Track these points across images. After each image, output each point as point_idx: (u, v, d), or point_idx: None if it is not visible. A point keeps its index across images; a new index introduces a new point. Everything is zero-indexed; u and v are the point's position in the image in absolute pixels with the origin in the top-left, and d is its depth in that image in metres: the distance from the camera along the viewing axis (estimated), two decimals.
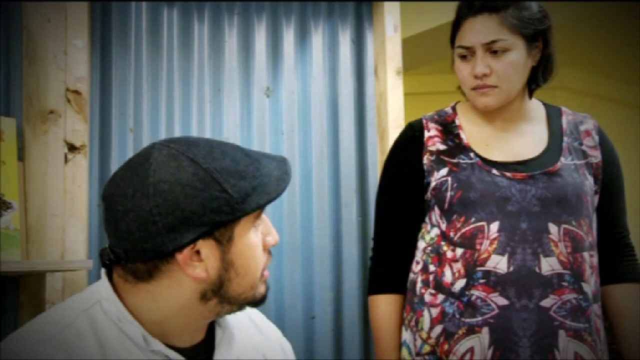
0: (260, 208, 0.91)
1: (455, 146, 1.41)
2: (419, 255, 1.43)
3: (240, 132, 1.76)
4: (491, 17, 1.34)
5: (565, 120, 1.46)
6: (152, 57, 1.67)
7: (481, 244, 1.33)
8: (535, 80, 1.42)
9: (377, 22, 1.92)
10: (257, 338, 1.07)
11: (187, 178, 0.86)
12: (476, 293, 1.32)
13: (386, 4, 1.89)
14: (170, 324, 0.93)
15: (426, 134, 1.44)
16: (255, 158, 0.93)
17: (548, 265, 1.31)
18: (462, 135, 1.42)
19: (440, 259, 1.37)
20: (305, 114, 1.85)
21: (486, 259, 1.32)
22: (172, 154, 0.88)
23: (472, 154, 1.39)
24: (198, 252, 0.88)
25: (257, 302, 0.97)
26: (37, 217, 1.43)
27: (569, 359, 1.30)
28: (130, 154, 1.61)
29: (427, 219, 1.43)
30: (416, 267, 1.43)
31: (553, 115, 1.47)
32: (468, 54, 1.37)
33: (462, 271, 1.33)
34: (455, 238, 1.35)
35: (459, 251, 1.34)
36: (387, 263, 1.47)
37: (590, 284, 1.35)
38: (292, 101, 1.83)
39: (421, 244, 1.43)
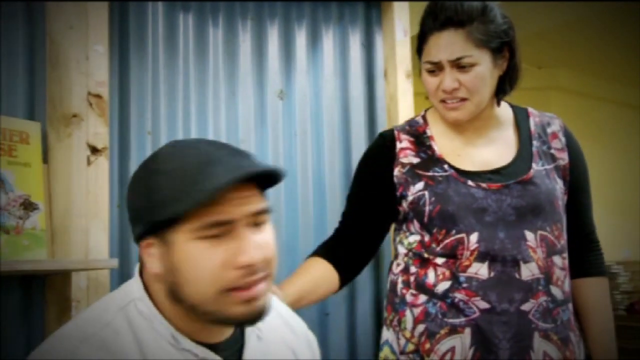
0: (178, 216, 0.88)
1: (429, 158, 1.43)
2: (400, 258, 1.46)
3: (255, 134, 1.79)
4: (457, 33, 1.34)
5: (532, 123, 1.48)
6: (168, 61, 1.70)
7: (462, 254, 1.35)
8: (502, 89, 1.44)
9: (386, 26, 1.95)
10: (285, 332, 1.11)
11: (139, 178, 0.95)
12: (459, 296, 1.35)
13: (396, 8, 1.92)
14: (193, 320, 0.95)
15: (398, 145, 1.46)
16: (213, 164, 0.89)
17: (528, 271, 1.34)
18: (435, 147, 1.44)
19: (422, 263, 1.40)
20: (317, 116, 1.88)
21: (468, 267, 1.35)
22: (150, 156, 0.98)
23: (445, 166, 1.41)
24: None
25: (239, 322, 0.95)
26: (62, 218, 1.46)
27: (540, 359, 1.34)
28: (148, 155, 1.64)
29: (404, 227, 1.46)
30: (397, 269, 1.46)
31: (521, 118, 1.49)
32: (435, 68, 1.38)
33: (447, 274, 1.36)
34: (438, 249, 1.38)
35: (441, 260, 1.37)
36: (339, 243, 1.52)
37: (559, 286, 1.38)
38: (305, 103, 1.87)
39: (401, 249, 1.46)
